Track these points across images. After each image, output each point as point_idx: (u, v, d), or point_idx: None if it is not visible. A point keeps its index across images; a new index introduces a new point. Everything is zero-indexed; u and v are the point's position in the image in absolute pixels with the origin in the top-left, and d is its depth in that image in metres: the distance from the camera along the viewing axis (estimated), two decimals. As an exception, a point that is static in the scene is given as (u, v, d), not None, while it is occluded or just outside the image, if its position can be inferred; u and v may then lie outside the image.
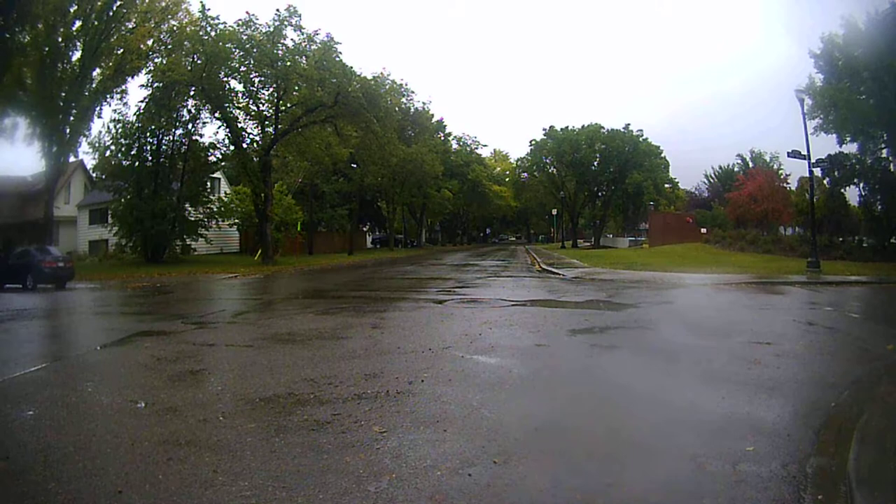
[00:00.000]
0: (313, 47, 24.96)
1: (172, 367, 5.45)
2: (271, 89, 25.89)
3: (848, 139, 22.98)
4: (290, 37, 24.84)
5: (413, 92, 36.32)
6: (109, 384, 4.99)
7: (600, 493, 2.72)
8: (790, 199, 34.36)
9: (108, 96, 25.99)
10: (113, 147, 25.95)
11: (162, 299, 12.88)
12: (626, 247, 45.03)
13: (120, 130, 25.76)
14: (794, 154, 18.92)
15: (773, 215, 33.96)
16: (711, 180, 60.89)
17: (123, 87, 26.47)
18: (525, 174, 56.89)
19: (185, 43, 24.65)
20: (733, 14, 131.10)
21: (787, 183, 40.77)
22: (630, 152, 46.35)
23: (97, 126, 43.26)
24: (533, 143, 50.18)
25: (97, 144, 26.34)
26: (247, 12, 25.22)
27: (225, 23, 24.11)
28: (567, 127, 48.90)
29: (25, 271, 16.43)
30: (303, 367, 5.31)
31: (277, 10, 24.46)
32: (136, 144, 25.79)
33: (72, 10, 24.00)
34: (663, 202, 50.16)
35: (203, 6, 23.84)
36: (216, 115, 25.72)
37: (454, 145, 57.22)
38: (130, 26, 25.70)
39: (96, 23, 24.15)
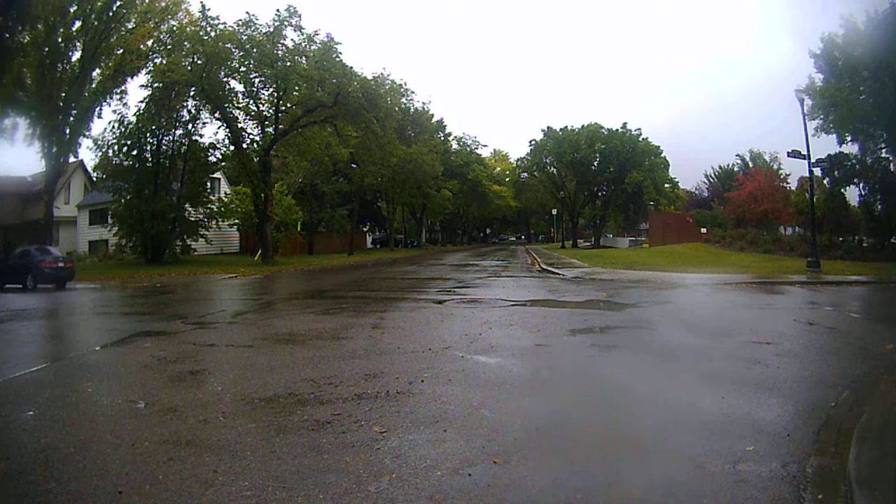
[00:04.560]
0: (313, 47, 24.99)
1: (173, 368, 5.45)
2: (271, 89, 25.93)
3: (848, 139, 22.97)
4: (290, 37, 24.93)
5: (413, 92, 36.39)
6: (110, 384, 4.99)
7: (600, 493, 2.72)
8: (790, 199, 34.29)
9: (107, 97, 26.02)
10: (115, 147, 25.99)
11: (162, 299, 12.87)
12: (626, 247, 45.02)
13: (120, 131, 25.80)
14: (794, 154, 18.93)
15: (772, 215, 33.93)
16: (711, 180, 61.00)
17: (123, 87, 26.53)
18: (525, 174, 56.94)
19: (185, 43, 24.66)
20: (733, 14, 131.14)
21: (787, 183, 40.77)
22: (630, 152, 46.37)
23: (100, 125, 43.47)
24: (533, 143, 50.26)
25: (100, 143, 26.35)
26: (247, 12, 25.32)
27: (225, 23, 24.19)
28: (567, 127, 48.98)
29: (25, 271, 16.44)
30: (303, 368, 5.31)
31: (277, 10, 24.54)
32: (137, 145, 25.82)
33: (72, 11, 24.02)
34: (663, 202, 50.15)
35: (203, 6, 23.94)
36: (216, 115, 25.75)
37: (454, 145, 57.27)
38: (130, 26, 25.72)
39: (96, 23, 24.17)
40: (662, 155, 48.19)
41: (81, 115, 25.23)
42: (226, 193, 32.96)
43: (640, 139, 47.04)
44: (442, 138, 51.73)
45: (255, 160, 26.18)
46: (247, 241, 35.61)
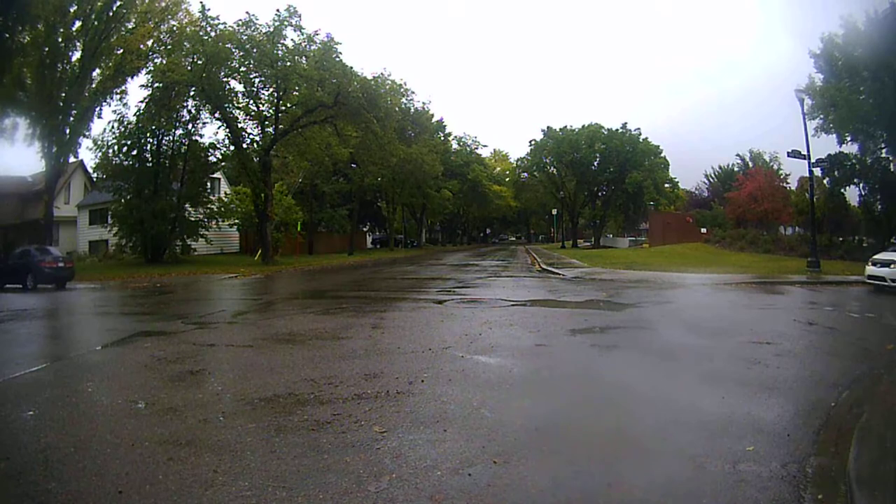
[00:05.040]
0: (313, 47, 24.98)
1: (173, 368, 5.45)
2: (271, 89, 25.92)
3: (848, 139, 22.98)
4: (290, 37, 24.90)
5: (413, 92, 36.39)
6: (110, 384, 4.99)
7: (600, 493, 2.72)
8: (790, 199, 34.32)
9: (107, 97, 25.99)
10: (115, 147, 26.00)
11: (162, 299, 12.88)
12: (626, 247, 45.04)
13: (120, 131, 25.81)
14: (794, 154, 18.94)
15: (772, 215, 33.97)
16: (711, 180, 60.97)
17: (123, 87, 26.48)
18: (525, 174, 56.97)
19: (185, 43, 24.65)
20: (733, 14, 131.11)
21: (787, 183, 40.81)
22: (630, 152, 46.39)
23: (100, 125, 43.54)
24: (533, 143, 50.28)
25: (100, 143, 26.34)
26: (247, 12, 25.29)
27: (225, 23, 24.17)
28: (566, 127, 48.98)
29: (26, 271, 16.44)
30: (303, 368, 5.31)
31: (277, 10, 24.51)
32: (137, 145, 25.82)
33: (72, 11, 24.01)
34: (663, 202, 50.11)
35: (203, 6, 23.93)
36: (216, 115, 25.73)
37: (454, 145, 57.24)
38: (130, 26, 25.71)
39: (96, 23, 24.17)
40: (662, 155, 48.21)
41: (81, 115, 25.21)
42: (226, 193, 32.96)
43: (640, 139, 47.05)
44: (442, 138, 51.72)
45: (255, 160, 26.16)
46: (247, 241, 35.61)
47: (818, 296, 11.30)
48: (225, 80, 24.97)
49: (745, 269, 17.32)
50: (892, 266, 12.47)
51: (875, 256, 13.42)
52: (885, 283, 12.27)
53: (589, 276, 16.16)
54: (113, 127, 25.95)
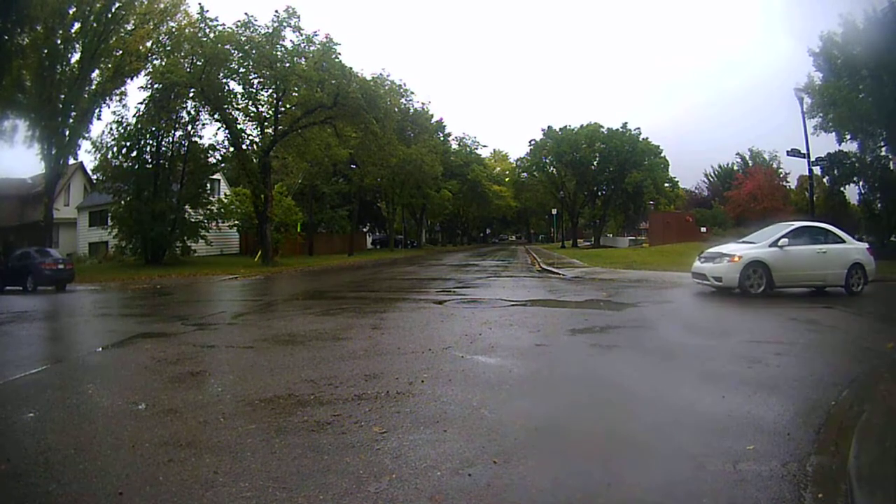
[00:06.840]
0: (312, 48, 25.01)
1: (173, 369, 5.45)
2: (270, 90, 25.97)
3: (847, 137, 23.04)
4: (289, 38, 24.97)
5: (412, 92, 36.60)
6: (110, 386, 4.98)
7: (600, 493, 2.72)
8: (790, 198, 34.45)
9: (107, 98, 26.05)
10: (115, 148, 26.02)
11: (162, 301, 12.87)
12: (626, 246, 45.03)
13: (120, 132, 25.82)
14: (794, 152, 18.95)
15: (772, 214, 34.02)
16: (711, 179, 61.10)
17: (123, 88, 26.57)
18: (525, 174, 57.01)
19: (184, 44, 24.71)
20: (733, 14, 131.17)
21: (787, 182, 40.93)
22: (629, 151, 46.44)
23: (100, 126, 43.64)
24: (532, 143, 50.39)
25: (99, 144, 26.37)
26: (245, 14, 25.47)
27: (224, 24, 24.24)
28: (566, 127, 49.04)
29: (25, 273, 16.45)
30: (303, 368, 5.31)
31: (276, 11, 24.58)
32: (136, 146, 25.84)
33: (71, 12, 24.06)
34: (663, 201, 50.17)
35: (202, 8, 24.04)
36: (215, 116, 25.77)
37: (454, 145, 57.35)
38: (129, 28, 25.77)
39: (95, 25, 24.21)
40: (662, 154, 48.31)
41: (81, 116, 25.25)
42: (225, 194, 32.98)
43: (640, 139, 47.11)
44: (442, 138, 51.77)
45: (255, 161, 26.19)
46: (247, 242, 35.63)
47: (818, 294, 11.27)
48: (224, 81, 25.03)
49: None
50: (716, 261, 10.65)
51: (708, 250, 11.41)
52: (708, 283, 10.74)
53: (589, 276, 16.15)
54: (112, 128, 26.02)
